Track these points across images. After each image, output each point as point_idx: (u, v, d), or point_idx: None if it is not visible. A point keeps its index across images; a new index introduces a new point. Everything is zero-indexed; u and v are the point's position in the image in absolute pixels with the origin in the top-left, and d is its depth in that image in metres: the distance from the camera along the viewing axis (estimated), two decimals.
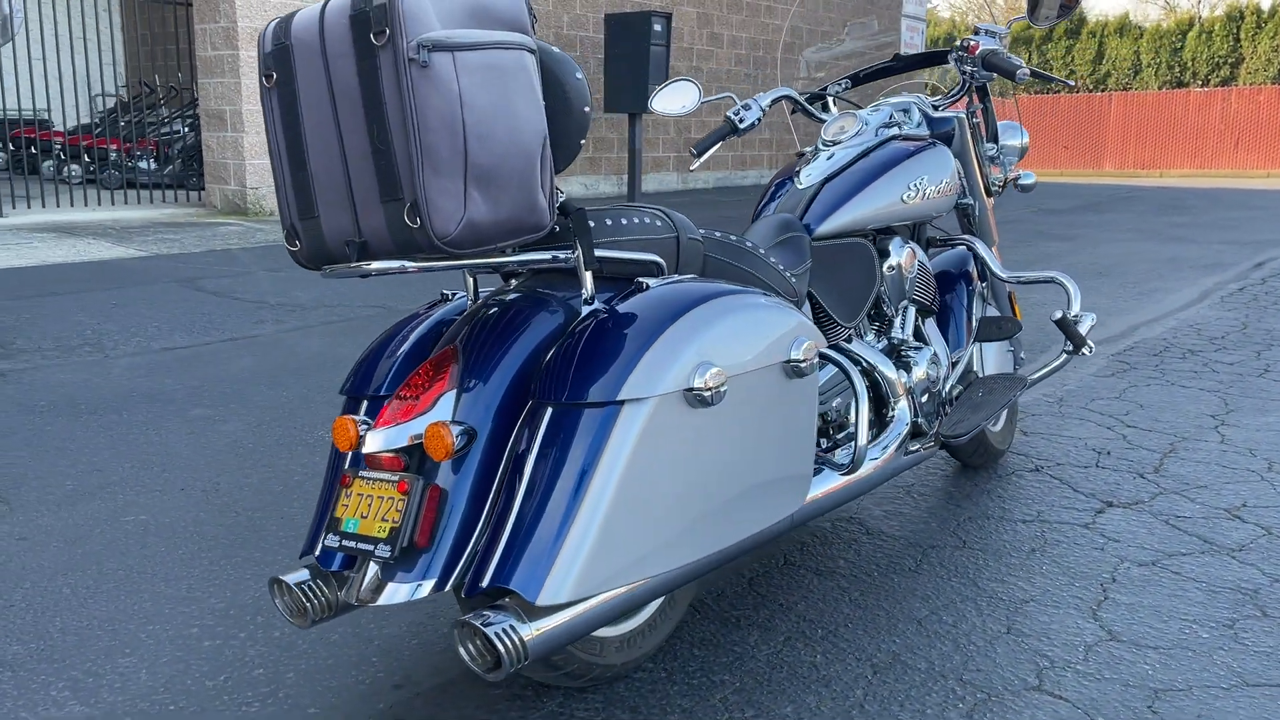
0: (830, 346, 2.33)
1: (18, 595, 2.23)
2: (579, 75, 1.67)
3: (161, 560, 2.41)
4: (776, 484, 1.79)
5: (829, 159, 2.52)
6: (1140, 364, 4.48)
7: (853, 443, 2.28)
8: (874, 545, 2.55)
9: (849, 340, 2.38)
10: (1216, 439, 3.43)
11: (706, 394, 1.58)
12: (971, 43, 2.68)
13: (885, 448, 2.28)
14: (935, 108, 2.75)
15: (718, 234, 2.02)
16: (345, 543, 1.56)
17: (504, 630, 1.43)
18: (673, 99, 2.63)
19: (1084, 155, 25.34)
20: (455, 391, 1.61)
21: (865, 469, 2.18)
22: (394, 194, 1.44)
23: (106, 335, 4.65)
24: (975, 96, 2.87)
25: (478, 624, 1.43)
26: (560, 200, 1.65)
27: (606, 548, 1.49)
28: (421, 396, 1.60)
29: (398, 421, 1.57)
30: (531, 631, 1.46)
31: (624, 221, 1.79)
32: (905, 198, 2.47)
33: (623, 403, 1.51)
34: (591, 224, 1.74)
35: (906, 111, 2.76)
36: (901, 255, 2.49)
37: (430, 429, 1.52)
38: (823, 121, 2.72)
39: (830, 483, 2.07)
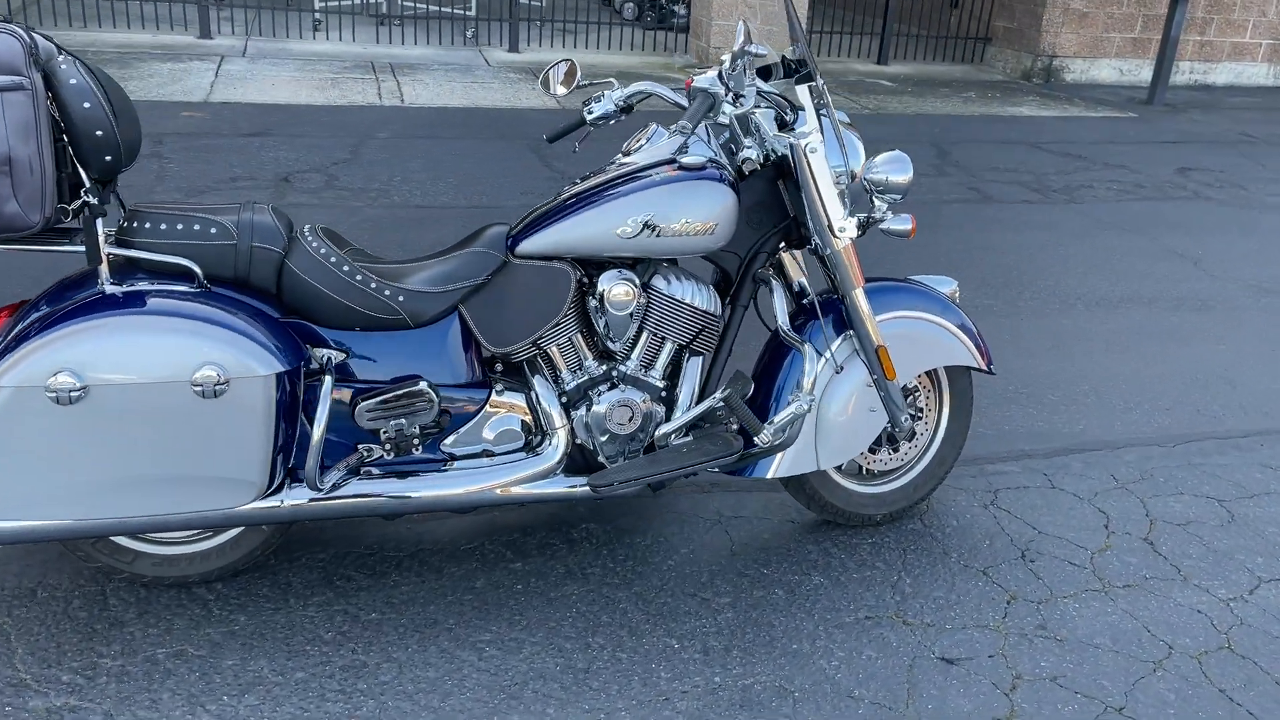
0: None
1: None
2: (86, 104, 2.02)
3: None
4: (203, 481, 2.14)
5: (602, 172, 2.51)
6: None
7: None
8: (589, 552, 2.68)
9: (531, 366, 2.49)
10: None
11: (54, 395, 2.00)
12: (690, 76, 2.38)
13: (509, 475, 2.41)
14: (782, 125, 2.50)
15: (323, 251, 2.28)
16: None
17: None
18: (557, 80, 2.70)
19: None
20: None
21: (469, 487, 2.37)
22: None
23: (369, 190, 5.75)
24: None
25: None
26: (88, 203, 2.08)
27: None
28: None
29: None
30: None
31: (176, 227, 2.18)
32: (619, 232, 2.38)
33: None
34: (139, 224, 2.17)
35: (750, 125, 2.52)
36: (608, 287, 2.44)
37: None
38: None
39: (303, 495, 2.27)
